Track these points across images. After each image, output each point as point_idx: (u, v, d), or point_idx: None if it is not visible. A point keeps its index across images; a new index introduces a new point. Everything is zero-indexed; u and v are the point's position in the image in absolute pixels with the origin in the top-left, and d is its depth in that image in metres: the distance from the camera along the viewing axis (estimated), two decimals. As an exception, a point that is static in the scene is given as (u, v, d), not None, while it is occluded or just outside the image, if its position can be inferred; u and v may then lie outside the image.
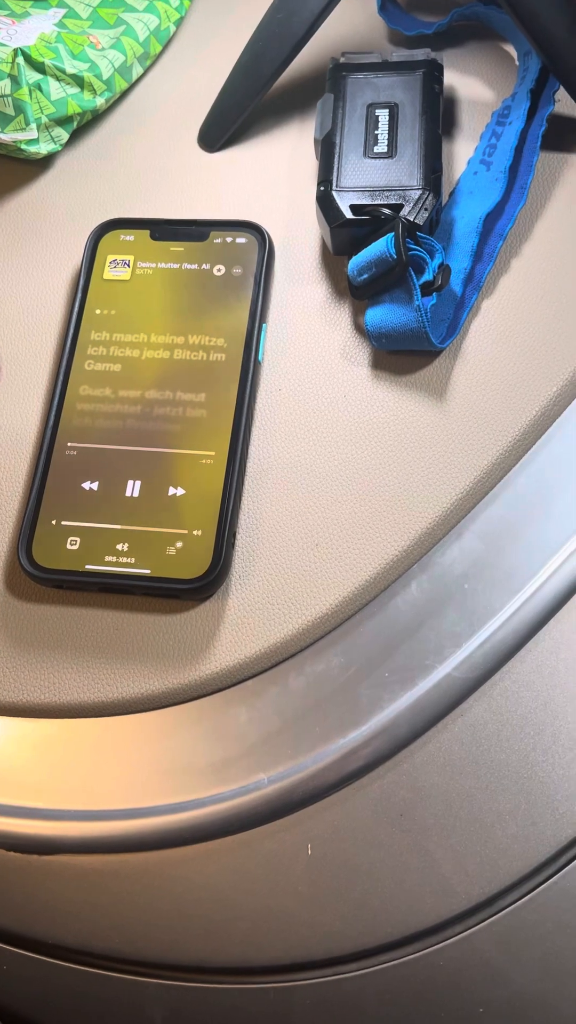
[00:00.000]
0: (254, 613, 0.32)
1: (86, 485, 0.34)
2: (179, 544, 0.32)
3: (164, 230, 0.37)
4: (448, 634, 0.32)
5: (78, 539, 0.33)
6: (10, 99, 0.38)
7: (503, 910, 0.30)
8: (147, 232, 0.37)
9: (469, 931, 0.30)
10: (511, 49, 0.41)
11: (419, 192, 0.35)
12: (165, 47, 0.43)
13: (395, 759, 0.31)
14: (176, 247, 0.37)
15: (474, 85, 0.40)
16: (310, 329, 0.36)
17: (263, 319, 0.36)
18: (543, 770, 0.31)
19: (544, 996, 0.30)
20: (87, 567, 0.32)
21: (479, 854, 0.30)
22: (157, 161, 0.41)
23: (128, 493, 0.33)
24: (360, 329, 0.36)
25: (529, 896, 0.30)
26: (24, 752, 0.32)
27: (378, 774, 0.31)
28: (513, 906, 0.30)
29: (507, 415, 0.34)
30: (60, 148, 0.40)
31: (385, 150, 0.36)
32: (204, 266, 0.37)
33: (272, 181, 0.39)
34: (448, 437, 0.34)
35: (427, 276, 0.34)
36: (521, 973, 0.30)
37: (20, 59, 0.37)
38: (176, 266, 0.37)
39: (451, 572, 0.33)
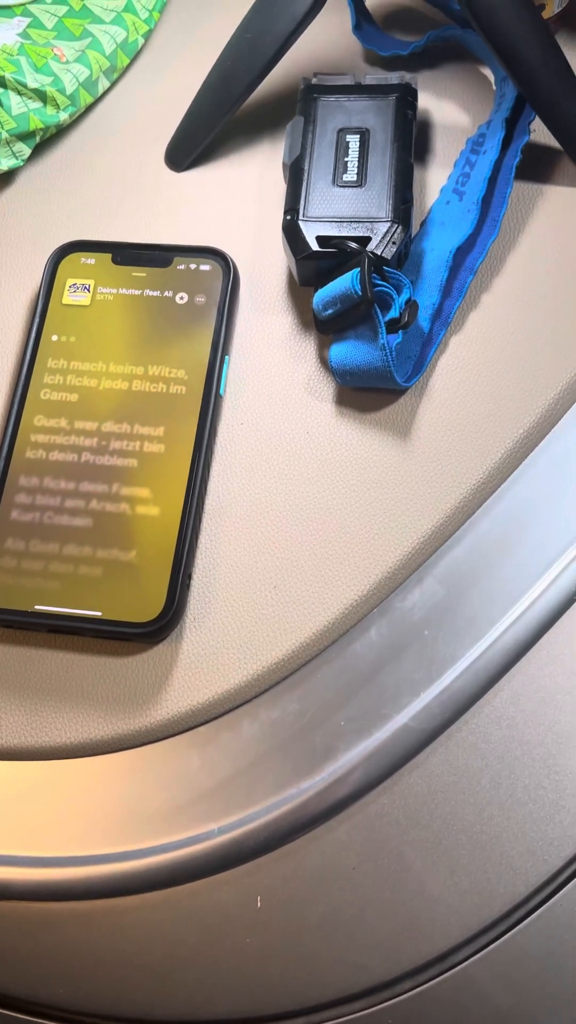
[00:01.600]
0: (209, 657, 0.32)
1: (37, 521, 0.33)
2: (132, 585, 0.31)
3: (127, 254, 0.36)
4: (407, 681, 0.31)
5: (28, 577, 0.32)
6: (-32, 114, 0.36)
7: (457, 965, 0.29)
8: (109, 256, 0.36)
9: (419, 988, 0.29)
10: (488, 72, 0.40)
11: (387, 224, 0.34)
12: (133, 60, 0.42)
13: (349, 811, 0.30)
14: (138, 272, 0.36)
15: (449, 109, 0.39)
16: (274, 362, 0.35)
17: (226, 351, 0.35)
18: (498, 824, 0.30)
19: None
20: (36, 607, 0.31)
21: (430, 910, 0.30)
22: (122, 179, 0.39)
23: (81, 530, 0.32)
24: (325, 363, 0.35)
25: (480, 954, 0.29)
26: (-32, 796, 0.31)
27: (331, 826, 0.30)
28: (466, 963, 0.29)
29: (472, 456, 0.33)
30: (22, 163, 0.39)
31: (354, 179, 0.35)
32: (167, 293, 0.36)
33: (240, 205, 0.38)
34: (411, 478, 0.33)
35: (393, 313, 0.33)
36: (471, 1030, 0.30)
37: (-21, 73, 0.36)
38: (138, 292, 0.36)
39: (411, 617, 0.32)
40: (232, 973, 0.30)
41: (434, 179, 0.38)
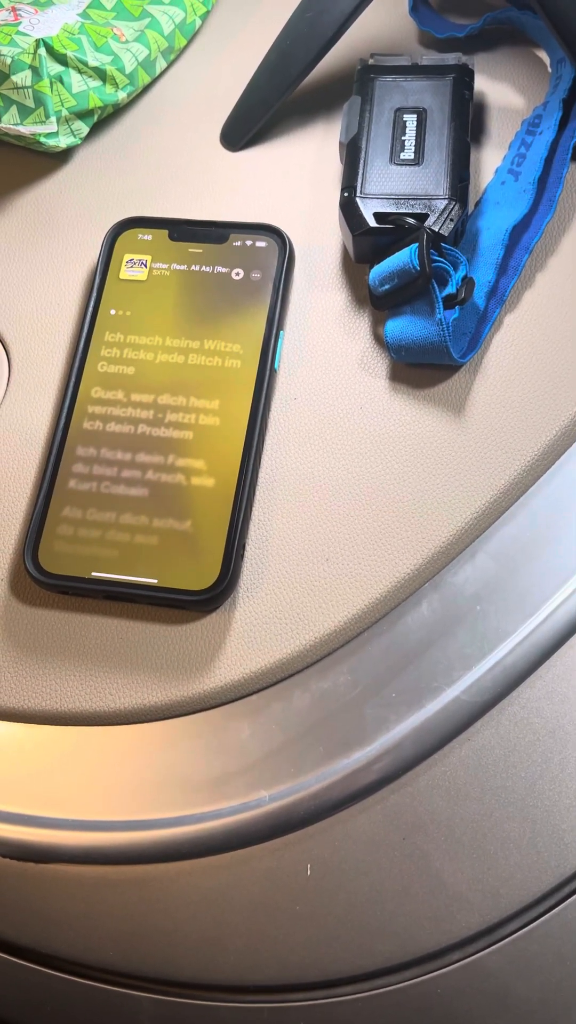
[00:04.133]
0: (261, 627, 0.32)
1: (94, 490, 0.33)
2: (187, 553, 0.32)
3: (183, 230, 0.37)
4: (458, 656, 0.31)
5: (85, 545, 0.32)
6: (30, 91, 0.37)
7: (503, 939, 0.30)
8: (165, 232, 0.37)
9: (468, 959, 0.30)
10: (544, 56, 0.40)
11: (445, 202, 0.34)
12: (190, 41, 0.42)
13: (399, 781, 0.31)
14: (195, 248, 0.36)
15: (505, 91, 0.39)
16: (328, 338, 0.36)
17: (280, 326, 0.35)
18: (549, 799, 0.30)
19: (542, 1026, 0.30)
20: (93, 574, 0.32)
21: (481, 881, 0.30)
22: (178, 158, 0.40)
23: (137, 499, 0.33)
24: (379, 340, 0.35)
25: (530, 926, 0.29)
26: (23, 759, 0.32)
27: (381, 796, 0.30)
28: (515, 935, 0.30)
29: (526, 434, 0.33)
30: (80, 142, 0.39)
31: (412, 157, 0.35)
32: (223, 269, 0.36)
33: (295, 184, 0.38)
34: (465, 454, 0.33)
35: (450, 289, 0.33)
36: (519, 1003, 0.30)
37: (42, 50, 0.37)
38: (194, 268, 0.36)
39: (463, 593, 0.32)
40: (280, 940, 0.30)
41: (489, 160, 0.38)
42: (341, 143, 0.37)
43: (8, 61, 0.37)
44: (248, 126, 0.39)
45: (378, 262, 0.34)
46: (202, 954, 0.31)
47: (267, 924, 0.30)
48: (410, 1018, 0.30)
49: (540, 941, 0.30)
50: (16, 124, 0.37)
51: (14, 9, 0.39)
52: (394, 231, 0.34)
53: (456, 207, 0.34)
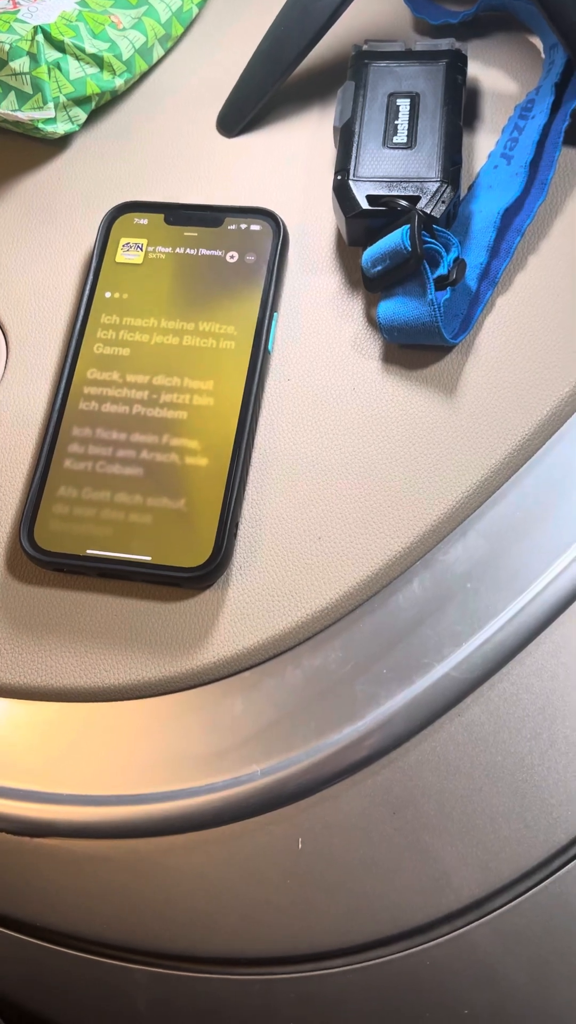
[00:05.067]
0: (254, 604, 0.32)
1: (89, 469, 0.33)
2: (181, 532, 0.32)
3: (178, 214, 0.37)
4: (448, 633, 0.32)
5: (80, 523, 0.33)
6: (28, 77, 0.37)
7: (493, 912, 0.30)
8: (161, 216, 0.37)
9: (457, 932, 0.30)
10: (537, 42, 0.40)
11: (437, 184, 0.34)
12: (187, 29, 0.43)
13: (390, 756, 0.31)
14: (190, 232, 0.37)
15: (498, 77, 0.40)
16: (321, 319, 0.36)
17: (275, 308, 0.35)
18: (538, 774, 0.30)
19: (530, 1000, 0.30)
20: (88, 551, 0.32)
21: (471, 855, 0.30)
22: (174, 144, 0.40)
23: (132, 478, 0.33)
24: (372, 321, 0.36)
25: (520, 899, 0.30)
26: (19, 734, 0.32)
27: (372, 770, 0.31)
28: (503, 908, 0.30)
29: (517, 414, 0.34)
30: (77, 128, 0.40)
31: (404, 140, 0.35)
32: (217, 252, 0.36)
33: (289, 168, 0.39)
34: (457, 434, 0.34)
35: (441, 270, 0.33)
36: (508, 976, 0.30)
37: (40, 37, 0.37)
38: (189, 251, 0.36)
39: (454, 571, 0.32)
40: (272, 913, 0.30)
41: (482, 145, 0.38)
42: (335, 127, 0.37)
43: (6, 48, 0.37)
44: (244, 112, 0.39)
45: (371, 244, 0.34)
46: (195, 927, 0.31)
47: (259, 897, 0.31)
48: (400, 990, 0.30)
49: (528, 915, 0.30)
50: (14, 110, 0.38)
51: (13, -3, 0.39)
52: (386, 213, 0.34)
53: (448, 189, 0.34)
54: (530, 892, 0.30)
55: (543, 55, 0.39)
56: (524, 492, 0.33)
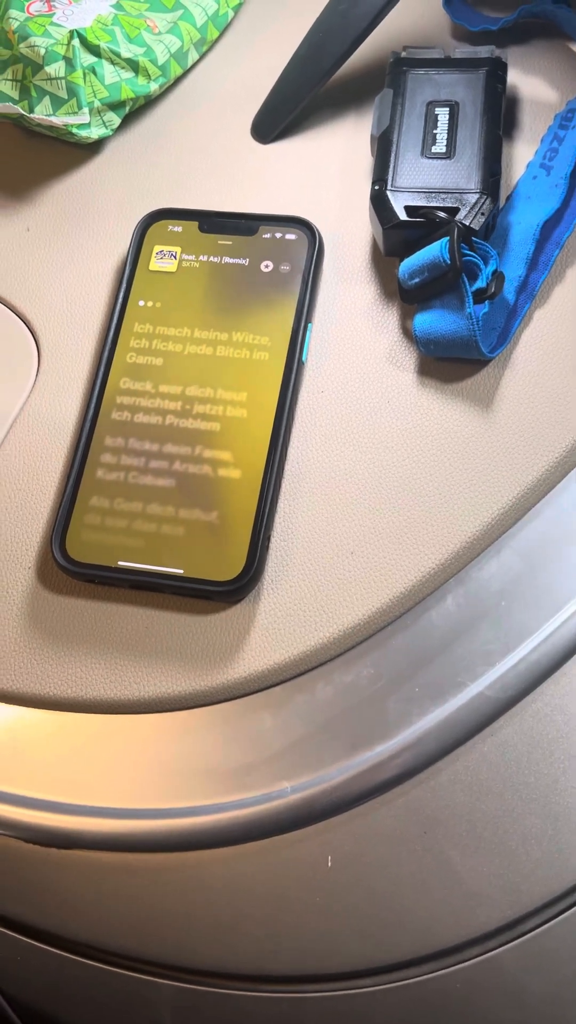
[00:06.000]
0: (285, 619, 0.32)
1: (121, 480, 0.33)
2: (213, 545, 0.32)
3: (213, 222, 0.37)
4: (481, 652, 0.31)
5: (112, 534, 0.32)
6: (63, 82, 0.37)
7: (522, 936, 0.30)
8: (195, 223, 0.37)
9: (487, 955, 0.30)
10: (578, 49, 0.39)
11: (476, 196, 0.34)
12: (222, 33, 0.42)
13: (421, 776, 0.31)
14: (224, 240, 0.36)
15: (538, 85, 0.39)
16: (357, 331, 0.35)
17: (309, 319, 0.35)
18: (571, 795, 0.30)
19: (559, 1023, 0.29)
20: (120, 563, 0.32)
21: (501, 877, 0.30)
22: (208, 150, 0.40)
23: (164, 490, 0.33)
24: (407, 333, 0.35)
25: (550, 923, 0.29)
26: (48, 745, 0.32)
27: (403, 790, 0.31)
28: (533, 932, 0.30)
29: (554, 430, 0.33)
30: (111, 133, 0.39)
31: (443, 150, 0.35)
32: (252, 261, 0.36)
33: (324, 177, 0.38)
34: (492, 449, 0.33)
35: (480, 283, 0.33)
36: (537, 1000, 0.29)
37: (76, 41, 0.37)
38: (223, 260, 0.36)
39: (488, 588, 0.32)
40: (300, 931, 0.30)
41: (521, 155, 0.38)
42: (372, 136, 0.37)
43: (42, 52, 0.37)
44: (279, 119, 0.39)
45: (408, 255, 0.34)
46: (221, 943, 0.31)
47: (287, 915, 0.30)
48: (428, 1012, 0.30)
49: (559, 939, 0.30)
50: (48, 115, 0.38)
51: (48, 0, 0.39)
52: (425, 224, 0.34)
53: (487, 201, 0.34)
54: (561, 916, 0.29)
55: (584, 63, 0.39)
56: (561, 509, 0.33)
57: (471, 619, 0.32)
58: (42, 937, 0.32)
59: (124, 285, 0.36)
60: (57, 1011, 0.33)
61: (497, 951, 0.29)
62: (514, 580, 0.32)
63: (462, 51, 0.37)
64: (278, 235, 0.36)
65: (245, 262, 0.36)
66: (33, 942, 0.32)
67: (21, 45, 0.37)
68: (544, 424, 0.33)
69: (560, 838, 0.30)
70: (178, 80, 0.41)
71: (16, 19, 0.38)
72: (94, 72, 0.38)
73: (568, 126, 0.36)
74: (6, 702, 0.33)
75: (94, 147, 0.41)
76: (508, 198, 0.36)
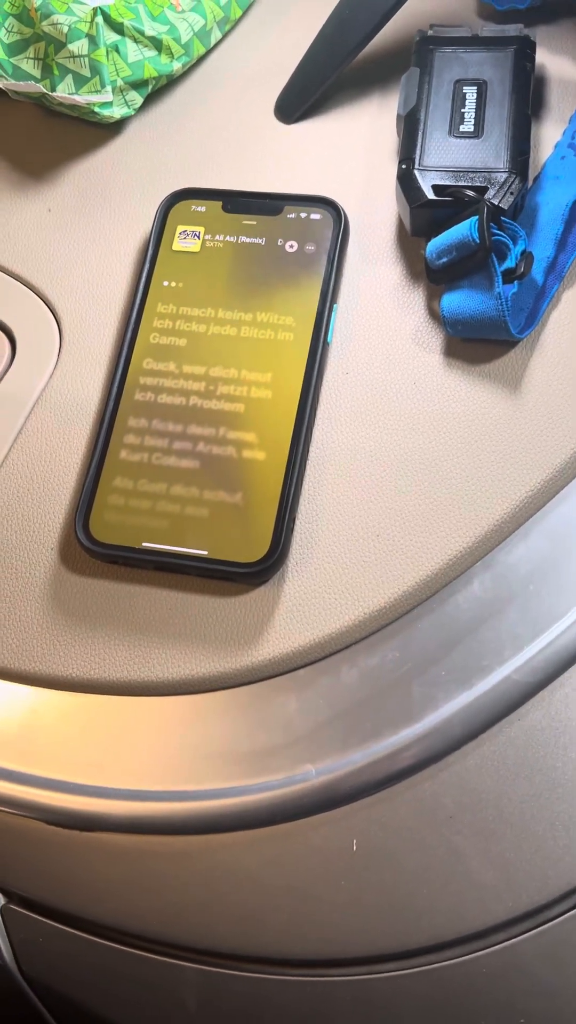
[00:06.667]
0: (310, 601, 0.32)
1: (145, 461, 0.33)
2: (238, 526, 0.32)
3: (236, 202, 0.36)
4: (509, 635, 0.31)
5: (136, 515, 0.32)
6: (87, 59, 0.37)
7: (550, 921, 0.29)
8: (219, 203, 0.36)
9: (514, 940, 0.29)
10: (607, 28, 0.39)
11: (505, 175, 0.33)
12: (245, 12, 0.42)
13: (447, 760, 0.30)
14: (248, 220, 0.36)
15: (565, 65, 0.39)
16: (382, 312, 0.35)
17: (334, 299, 0.35)
18: (600, 781, 0.30)
19: (586, 1010, 0.29)
20: (144, 544, 0.32)
21: (529, 862, 0.29)
22: (231, 130, 0.39)
23: (188, 471, 0.33)
24: (434, 314, 0.35)
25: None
26: (71, 727, 0.32)
27: (429, 773, 0.30)
28: (561, 918, 0.29)
29: (583, 412, 0.33)
30: (133, 112, 0.39)
31: (471, 129, 0.35)
32: (276, 241, 0.36)
33: (350, 156, 0.38)
34: (520, 432, 0.33)
35: (509, 263, 0.32)
36: (565, 986, 0.29)
37: (99, 19, 0.36)
38: (247, 240, 0.36)
39: (516, 572, 0.32)
40: (325, 914, 0.30)
41: (548, 135, 0.37)
42: (399, 115, 0.36)
43: (65, 29, 0.36)
44: (303, 98, 0.39)
45: (435, 235, 0.33)
46: (245, 926, 0.31)
47: (312, 898, 0.30)
48: (455, 997, 0.30)
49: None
50: (71, 93, 0.37)
51: (70, -22, 0.38)
52: (453, 204, 0.33)
53: (516, 180, 0.33)
54: (591, 899, 0.29)
55: (612, 42, 0.38)
56: (589, 492, 0.32)
57: (498, 603, 0.31)
58: (64, 919, 0.32)
59: (147, 265, 0.36)
60: (78, 994, 0.32)
61: (523, 936, 0.29)
62: (542, 563, 0.32)
63: (489, 29, 0.37)
64: (303, 215, 0.36)
65: (269, 242, 0.36)
66: (55, 924, 0.32)
67: (44, 23, 0.37)
68: (572, 407, 0.33)
69: (588, 823, 0.29)
70: (201, 59, 0.41)
71: (38, -3, 0.37)
72: (117, 50, 0.37)
73: (597, 105, 0.36)
74: (30, 684, 0.32)
75: (115, 127, 0.40)
76: (536, 179, 0.36)
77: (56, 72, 0.37)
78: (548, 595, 0.31)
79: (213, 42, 0.41)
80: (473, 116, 0.35)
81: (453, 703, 0.31)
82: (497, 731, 0.30)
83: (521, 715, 0.30)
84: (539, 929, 0.29)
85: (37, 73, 0.38)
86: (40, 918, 0.32)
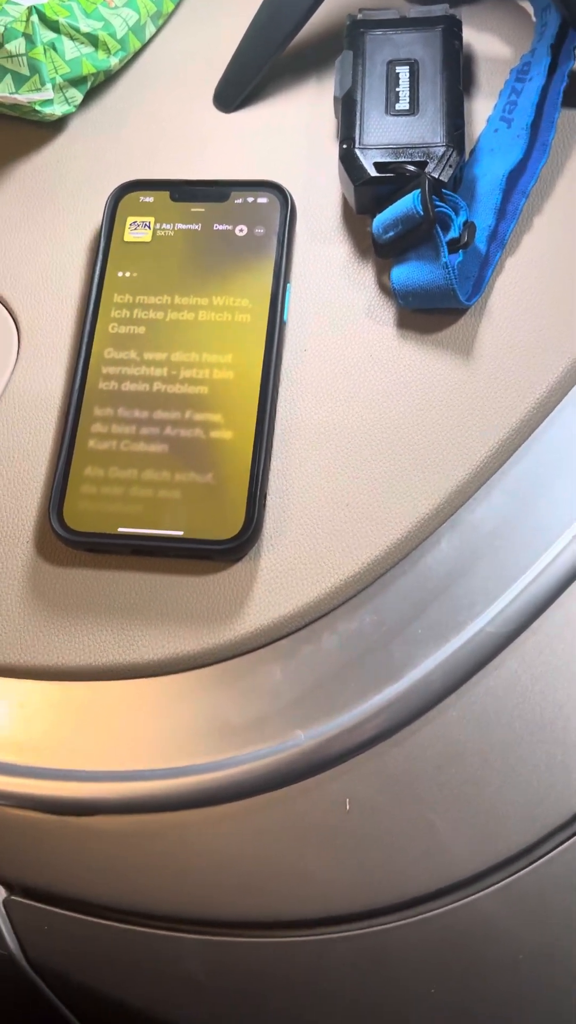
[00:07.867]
0: (286, 573, 0.33)
1: (114, 448, 0.33)
2: (211, 505, 0.32)
3: (184, 191, 0.37)
4: (480, 590, 0.32)
5: (109, 502, 0.33)
6: (25, 58, 0.37)
7: (543, 856, 0.30)
8: (167, 193, 0.37)
9: (509, 879, 0.30)
10: (527, 6, 0.40)
11: (443, 149, 0.35)
12: (178, 5, 0.42)
13: (430, 714, 0.31)
14: (197, 208, 0.37)
15: (491, 42, 0.40)
16: (334, 289, 0.36)
17: (287, 279, 0.36)
18: (577, 721, 0.31)
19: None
20: (120, 530, 0.32)
21: (516, 804, 0.31)
22: (172, 122, 0.40)
23: (158, 455, 0.33)
24: (385, 288, 0.36)
25: (567, 843, 0.30)
26: (60, 716, 0.32)
27: (413, 728, 0.31)
28: (552, 853, 0.30)
29: (533, 373, 0.34)
30: (74, 109, 0.40)
31: (407, 107, 0.36)
32: (226, 227, 0.36)
33: (291, 140, 0.39)
34: (475, 395, 0.34)
35: (453, 233, 0.33)
36: (560, 919, 0.30)
37: (35, 17, 0.37)
38: (197, 227, 0.36)
39: (481, 529, 0.33)
40: (323, 874, 0.31)
41: (480, 110, 0.39)
42: (336, 97, 0.37)
43: (1, 30, 0.37)
44: (241, 86, 0.39)
45: (379, 211, 0.35)
46: (245, 894, 0.31)
47: (309, 860, 0.31)
48: (454, 941, 0.31)
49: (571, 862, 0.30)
50: (11, 92, 0.37)
51: (1, -21, 0.39)
52: (395, 179, 0.34)
53: (454, 153, 0.35)
54: (569, 841, 0.30)
55: (534, 18, 0.40)
56: (544, 448, 0.34)
57: (467, 560, 0.33)
58: (68, 905, 0.32)
59: (100, 257, 0.36)
60: (88, 978, 0.33)
61: (518, 875, 0.30)
62: (505, 520, 0.33)
63: (416, 11, 0.38)
64: (250, 199, 0.37)
65: (219, 228, 0.36)
66: (59, 910, 0.32)
67: (-22, 24, 0.37)
68: (523, 368, 0.34)
69: (570, 761, 0.31)
70: (137, 54, 0.42)
71: (-29, -1, 0.37)
72: (54, 48, 0.38)
73: (524, 79, 0.37)
74: (16, 676, 0.33)
75: (57, 125, 0.41)
76: (471, 152, 0.37)
77: (-6, 73, 0.37)
78: (514, 549, 0.32)
79: (148, 36, 0.41)
80: (408, 94, 0.36)
81: (432, 659, 0.32)
82: (476, 682, 0.31)
83: (497, 665, 0.32)
84: (532, 866, 0.30)
85: (-25, 75, 0.38)
86: (44, 906, 0.32)
